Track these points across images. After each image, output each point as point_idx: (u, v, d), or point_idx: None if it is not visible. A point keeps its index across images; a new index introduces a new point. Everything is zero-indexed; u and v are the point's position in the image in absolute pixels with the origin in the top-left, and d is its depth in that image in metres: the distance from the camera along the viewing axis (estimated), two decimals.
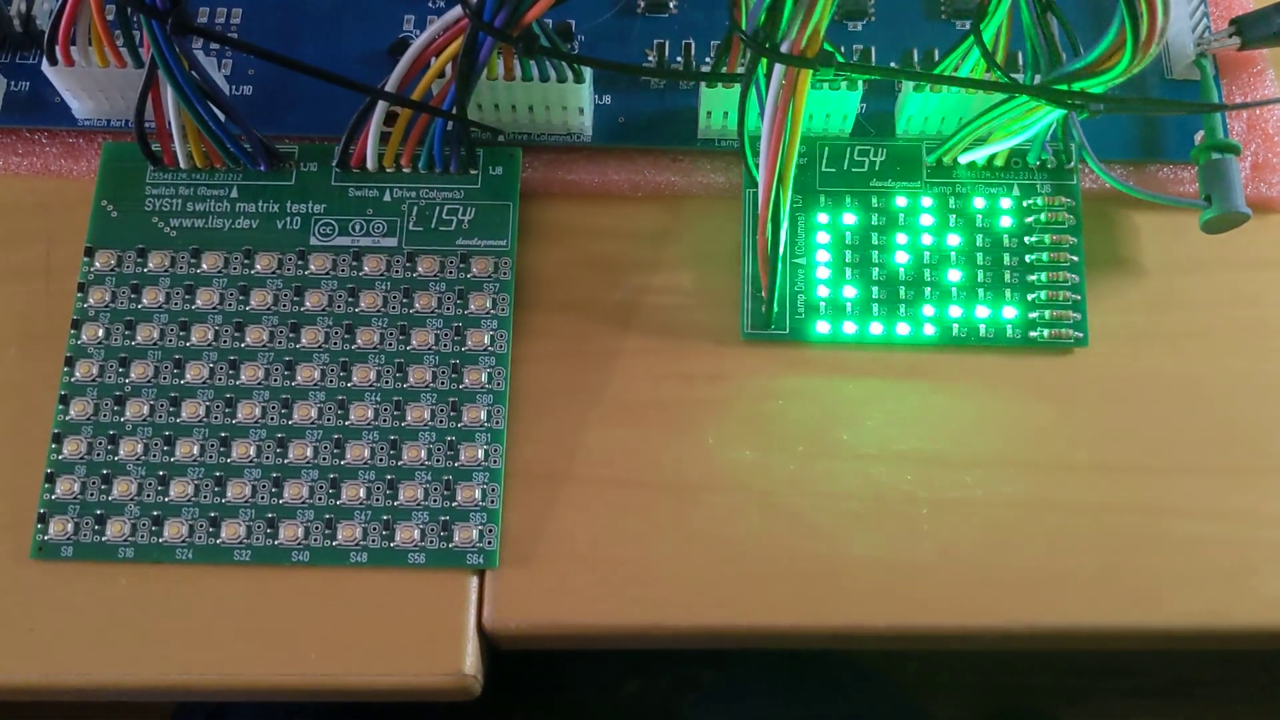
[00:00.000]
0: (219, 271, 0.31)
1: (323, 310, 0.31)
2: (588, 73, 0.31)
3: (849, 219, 0.32)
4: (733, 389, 0.31)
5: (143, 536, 0.29)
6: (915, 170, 0.32)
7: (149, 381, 0.31)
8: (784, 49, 0.25)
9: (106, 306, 0.31)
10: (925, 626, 0.30)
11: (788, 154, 0.27)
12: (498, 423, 0.30)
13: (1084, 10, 0.34)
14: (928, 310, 0.31)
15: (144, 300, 0.31)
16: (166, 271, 0.31)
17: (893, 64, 0.34)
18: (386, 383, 0.31)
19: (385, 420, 0.30)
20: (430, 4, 0.34)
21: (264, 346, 0.31)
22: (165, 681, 0.29)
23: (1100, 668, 0.62)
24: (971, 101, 0.31)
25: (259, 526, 0.30)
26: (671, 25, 0.34)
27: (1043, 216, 0.32)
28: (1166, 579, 0.30)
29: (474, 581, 0.30)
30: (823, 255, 0.32)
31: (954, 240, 0.32)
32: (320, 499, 0.30)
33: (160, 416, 0.30)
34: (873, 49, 0.34)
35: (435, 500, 0.30)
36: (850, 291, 0.32)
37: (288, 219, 0.32)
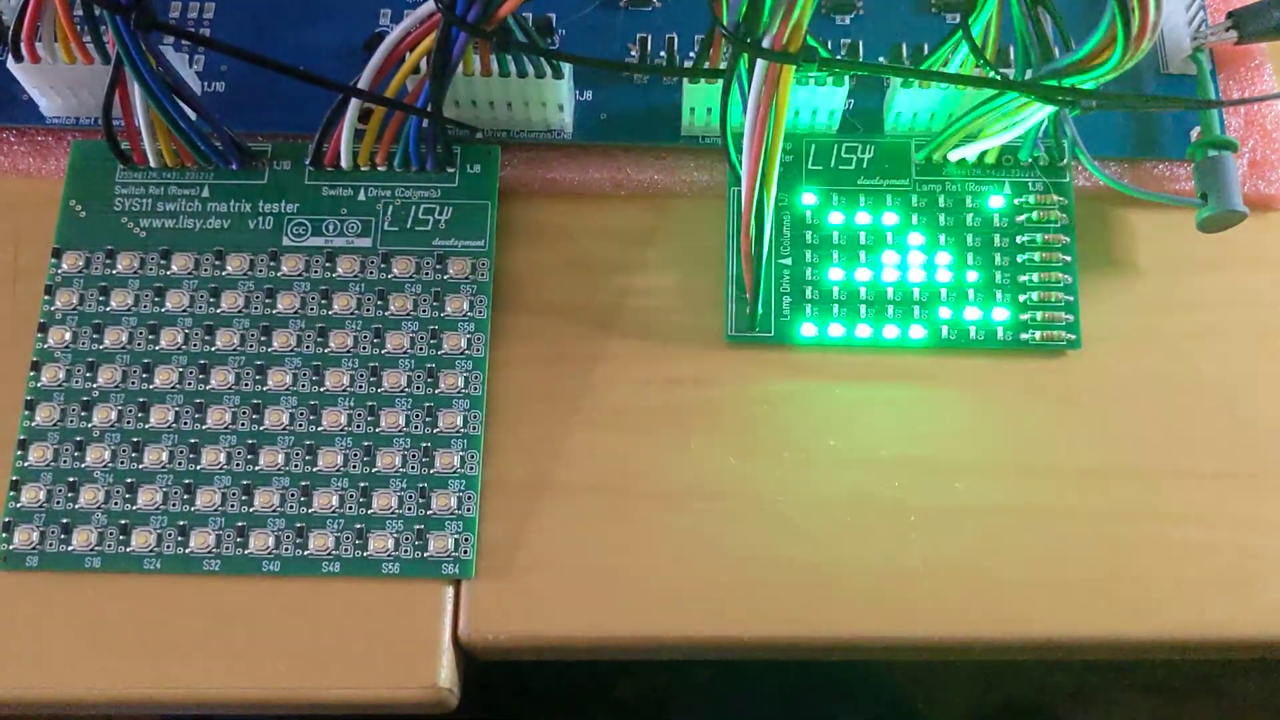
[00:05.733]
0: (189, 273, 0.31)
1: (295, 313, 0.30)
2: (567, 68, 0.30)
3: (836, 218, 0.31)
4: (717, 393, 0.31)
5: (110, 546, 0.29)
6: (904, 168, 0.32)
7: (117, 386, 0.30)
8: (765, 44, 0.25)
9: (74, 309, 0.30)
10: (913, 637, 0.29)
11: (771, 151, 0.26)
12: (475, 429, 0.30)
13: (1077, 3, 0.33)
14: (916, 312, 0.31)
15: (112, 303, 0.30)
16: (135, 273, 0.31)
17: (881, 59, 0.33)
18: (360, 388, 0.30)
19: (359, 426, 0.30)
20: None
21: (235, 350, 0.30)
22: (133, 695, 0.28)
23: (1108, 664, 0.61)
24: (961, 97, 0.30)
25: (229, 535, 0.29)
26: (655, 19, 0.33)
27: (1035, 215, 0.31)
28: (1164, 587, 0.29)
29: (449, 592, 0.29)
30: (808, 255, 0.31)
31: (943, 240, 0.31)
32: (292, 507, 0.29)
33: (128, 422, 0.30)
34: (861, 43, 0.33)
35: (410, 508, 0.29)
36: (836, 293, 0.31)
37: (260, 219, 0.31)
